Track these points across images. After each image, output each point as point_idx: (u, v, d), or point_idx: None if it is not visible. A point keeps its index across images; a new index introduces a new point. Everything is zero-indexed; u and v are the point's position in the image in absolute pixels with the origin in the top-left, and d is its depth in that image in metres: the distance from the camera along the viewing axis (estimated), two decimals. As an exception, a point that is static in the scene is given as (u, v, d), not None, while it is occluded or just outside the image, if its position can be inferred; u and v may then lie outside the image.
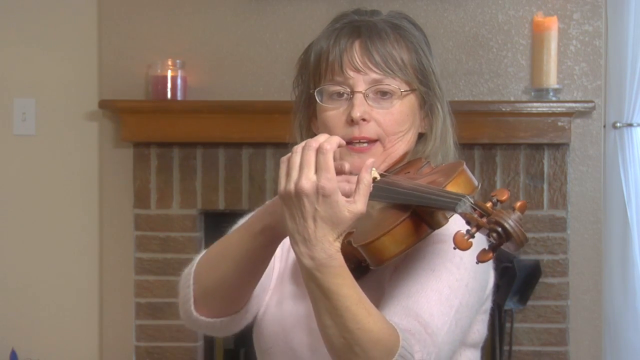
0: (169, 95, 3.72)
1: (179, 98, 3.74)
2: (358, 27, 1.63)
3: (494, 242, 1.28)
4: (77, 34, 3.92)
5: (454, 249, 1.29)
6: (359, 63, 1.60)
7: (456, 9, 3.75)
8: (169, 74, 3.72)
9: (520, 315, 3.70)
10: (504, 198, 1.33)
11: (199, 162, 3.79)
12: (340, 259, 1.36)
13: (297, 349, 1.63)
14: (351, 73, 1.61)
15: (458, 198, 1.33)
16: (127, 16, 3.82)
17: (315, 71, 1.65)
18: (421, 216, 1.41)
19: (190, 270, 1.66)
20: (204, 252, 1.68)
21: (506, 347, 3.65)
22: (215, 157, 3.79)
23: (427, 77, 1.65)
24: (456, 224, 1.38)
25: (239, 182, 3.79)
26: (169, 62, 3.73)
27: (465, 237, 1.29)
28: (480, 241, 1.31)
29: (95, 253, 3.91)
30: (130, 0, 3.82)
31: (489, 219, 1.29)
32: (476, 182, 1.45)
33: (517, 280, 3.56)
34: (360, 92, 1.60)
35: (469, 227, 1.30)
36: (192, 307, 1.65)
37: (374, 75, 1.60)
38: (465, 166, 1.46)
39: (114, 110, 3.78)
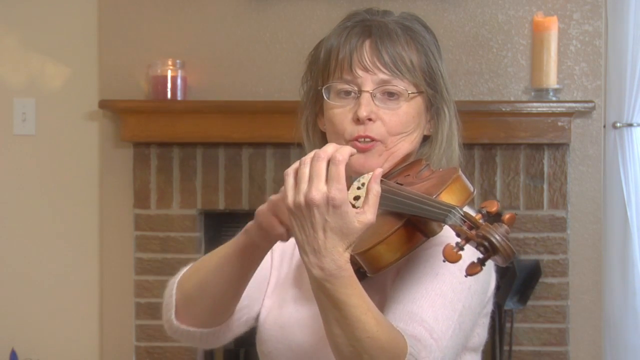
0: (169, 95, 3.72)
1: (179, 98, 3.73)
2: (369, 27, 1.63)
3: (482, 255, 1.29)
4: (77, 34, 3.92)
5: (444, 261, 1.30)
6: (368, 63, 1.60)
7: (456, 9, 3.75)
8: (169, 74, 3.72)
9: (520, 315, 3.69)
10: (493, 209, 1.34)
11: (199, 162, 3.79)
12: (349, 270, 1.36)
13: (298, 350, 1.63)
14: (360, 72, 1.60)
15: (448, 210, 1.34)
16: (127, 16, 3.81)
17: (325, 68, 1.64)
18: (415, 224, 1.42)
19: (174, 280, 1.67)
20: (190, 264, 1.69)
21: (506, 347, 3.65)
22: (215, 157, 3.78)
23: (435, 80, 1.64)
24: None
25: (239, 182, 3.78)
26: (169, 62, 3.73)
27: (455, 250, 1.29)
28: (472, 252, 1.32)
29: (95, 253, 3.91)
30: (130, 1, 3.82)
31: (477, 233, 1.29)
32: (471, 188, 1.46)
33: (517, 280, 3.56)
34: (368, 91, 1.60)
35: (458, 240, 1.31)
36: (173, 316, 1.66)
37: (383, 76, 1.60)
38: (460, 172, 1.46)
39: (114, 110, 3.78)
